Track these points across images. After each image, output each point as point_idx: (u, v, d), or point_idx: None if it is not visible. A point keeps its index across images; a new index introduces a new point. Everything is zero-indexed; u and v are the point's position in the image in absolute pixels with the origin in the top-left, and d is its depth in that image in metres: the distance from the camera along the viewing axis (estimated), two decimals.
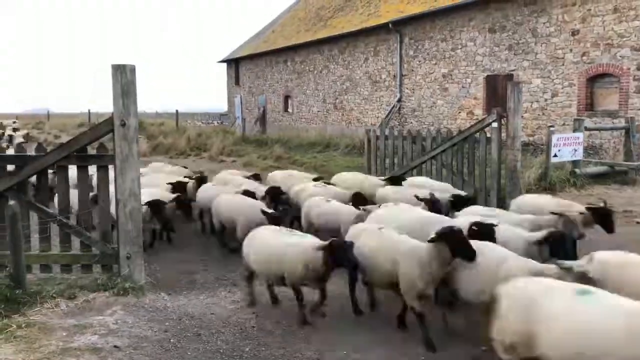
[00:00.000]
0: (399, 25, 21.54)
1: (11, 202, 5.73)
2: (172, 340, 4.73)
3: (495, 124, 9.56)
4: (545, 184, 11.46)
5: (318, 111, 27.79)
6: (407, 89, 21.77)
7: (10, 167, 6.35)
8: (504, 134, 9.66)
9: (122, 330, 4.86)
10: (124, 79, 5.83)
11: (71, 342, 4.48)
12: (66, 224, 6.14)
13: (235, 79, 36.67)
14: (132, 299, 5.58)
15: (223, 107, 41.24)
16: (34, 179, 6.44)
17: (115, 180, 5.96)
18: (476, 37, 18.52)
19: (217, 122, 39.71)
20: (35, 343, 4.42)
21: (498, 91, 17.66)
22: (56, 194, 6.48)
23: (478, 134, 10.01)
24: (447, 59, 19.80)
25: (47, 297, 5.40)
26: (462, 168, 10.40)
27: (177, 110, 35.05)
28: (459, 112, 19.43)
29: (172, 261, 7.51)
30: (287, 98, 30.78)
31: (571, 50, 15.67)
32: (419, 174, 10.63)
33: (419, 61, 21.08)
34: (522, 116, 9.89)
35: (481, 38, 18.33)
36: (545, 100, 16.51)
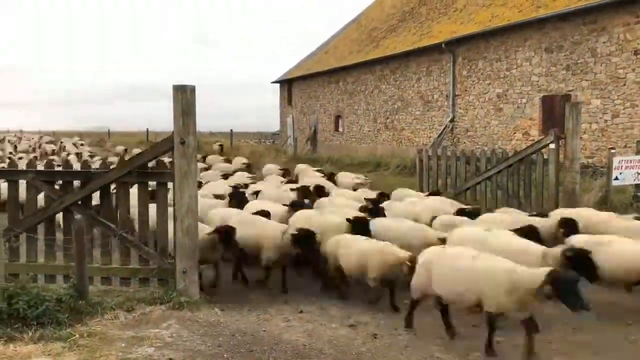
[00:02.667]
0: (452, 45, 21.41)
1: (77, 216, 6.00)
2: (225, 356, 4.79)
3: (552, 145, 9.36)
4: (607, 208, 11.04)
5: (369, 131, 27.83)
6: (460, 108, 21.54)
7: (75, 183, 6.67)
8: (561, 156, 9.42)
9: (177, 343, 4.97)
10: (184, 98, 6.04)
11: (129, 353, 4.62)
12: (126, 238, 6.35)
13: (287, 99, 37.24)
14: (187, 313, 5.71)
15: (275, 126, 41.86)
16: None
17: (173, 197, 6.15)
18: (532, 56, 18.18)
19: (269, 142, 40.28)
20: (96, 352, 4.57)
21: (555, 112, 17.22)
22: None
23: (535, 155, 9.82)
24: (501, 79, 19.50)
25: (107, 308, 5.58)
26: (517, 190, 10.18)
27: (231, 130, 35.79)
28: (514, 133, 19.04)
29: (226, 276, 7.62)
30: (338, 118, 30.99)
31: (633, 70, 15.13)
32: (472, 195, 10.47)
33: (473, 81, 20.85)
34: (580, 137, 9.62)
35: (537, 58, 17.98)
36: (605, 121, 15.97)
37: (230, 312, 6.04)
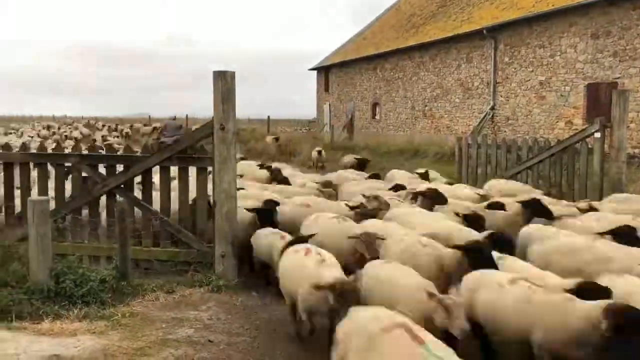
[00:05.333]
0: (494, 32, 20.92)
1: (119, 199, 6.15)
2: (263, 339, 4.86)
3: (597, 134, 9.08)
4: None
5: (406, 118, 27.55)
6: (501, 96, 21.09)
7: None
8: (606, 146, 9.13)
9: (215, 325, 5.06)
10: (224, 85, 6.09)
11: (170, 334, 4.73)
12: (167, 222, 6.48)
13: (324, 86, 37.15)
14: (225, 297, 5.80)
15: (312, 114, 41.87)
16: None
17: (213, 182, 6.23)
18: (577, 43, 17.62)
19: (305, 129, 40.34)
20: (138, 332, 4.70)
21: (600, 100, 16.67)
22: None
23: (579, 144, 9.55)
24: (544, 66, 18.98)
25: (148, 290, 5.73)
26: (560, 180, 9.93)
27: (268, 117, 36.05)
28: (557, 122, 18.55)
29: None
30: (375, 105, 30.77)
31: None
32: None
33: (515, 68, 20.36)
34: (627, 126, 9.31)
35: (582, 44, 17.41)
36: None
37: (268, 298, 6.09)
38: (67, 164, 6.88)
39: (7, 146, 7.31)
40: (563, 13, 17.84)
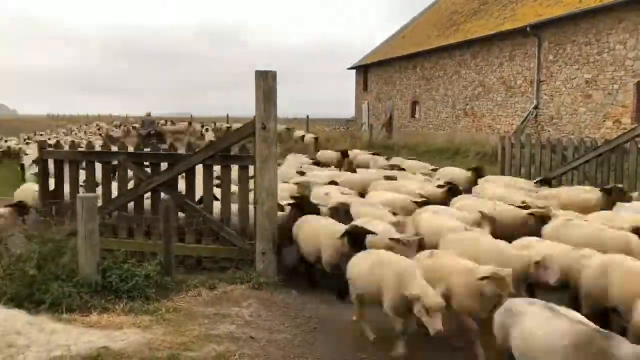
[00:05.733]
0: (538, 29, 20.43)
1: (164, 196, 6.28)
2: (303, 337, 4.89)
3: None
4: None
5: (446, 117, 27.20)
6: (545, 95, 20.59)
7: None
8: None
9: (256, 322, 5.11)
10: (266, 84, 6.15)
11: (212, 330, 4.79)
12: (209, 219, 6.58)
13: (363, 85, 37.02)
14: (265, 294, 5.86)
15: (351, 113, 41.78)
16: None
17: (254, 180, 6.30)
18: (626, 39, 17.03)
19: (344, 128, 40.28)
20: (181, 327, 4.78)
21: None
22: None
23: (627, 144, 9.23)
24: (591, 64, 18.43)
25: (191, 285, 5.83)
26: (607, 181, 9.64)
27: (307, 116, 36.13)
28: (604, 121, 17.98)
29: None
30: (414, 104, 30.48)
31: None
32: (557, 185, 10.01)
33: (559, 66, 19.84)
34: None
35: (632, 41, 16.82)
36: None
37: (307, 296, 6.12)
38: (114, 162, 7.07)
39: (57, 144, 7.55)
40: (611, 9, 17.28)
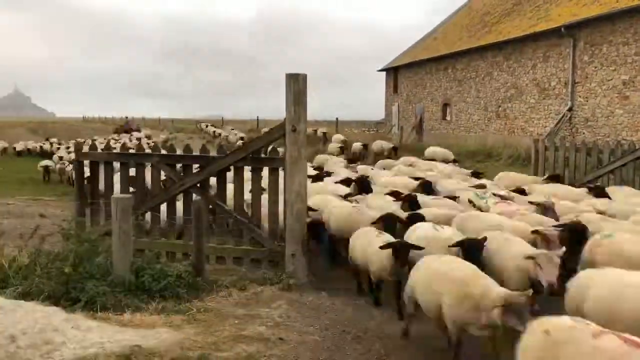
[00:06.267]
0: (573, 29, 20.02)
1: (196, 198, 6.36)
2: (332, 339, 4.88)
3: None
4: None
5: (478, 119, 26.87)
6: (580, 97, 20.16)
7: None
8: None
9: (286, 323, 5.14)
10: (296, 87, 6.18)
11: (242, 330, 4.83)
12: (240, 220, 6.64)
13: (393, 87, 36.86)
14: (295, 295, 5.88)
15: (380, 115, 41.65)
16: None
17: (284, 182, 6.33)
18: None
19: (373, 130, 40.20)
20: (212, 327, 4.84)
21: None
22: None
23: None
24: (628, 65, 17.97)
25: (221, 286, 5.89)
26: None
27: (337, 118, 36.21)
28: None
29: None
30: (445, 106, 30.20)
31: None
32: None
33: (595, 67, 19.40)
34: None
35: None
36: None
37: (336, 298, 6.11)
38: (147, 163, 7.20)
39: (93, 146, 7.73)
40: None
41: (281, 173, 6.50)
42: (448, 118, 29.93)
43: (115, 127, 42.26)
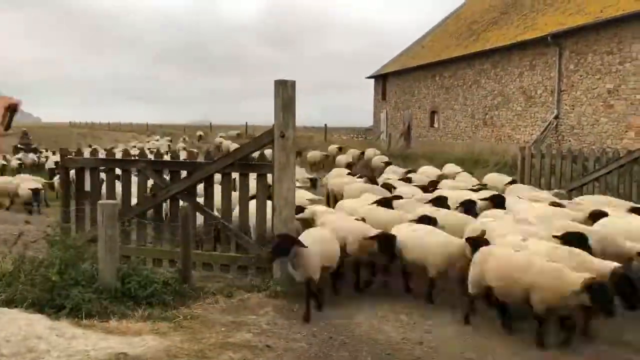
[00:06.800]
0: (559, 38, 20.26)
1: (183, 204, 6.33)
2: (319, 346, 4.87)
3: None
4: None
5: (466, 127, 27.04)
6: (565, 105, 20.37)
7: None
8: None
9: (273, 331, 5.12)
10: (285, 93, 6.19)
11: (229, 337, 4.82)
12: (227, 226, 6.62)
13: (382, 95, 37.02)
14: (282, 302, 5.87)
15: (369, 122, 41.79)
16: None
17: (272, 188, 6.33)
18: None
19: (362, 137, 40.33)
20: (198, 334, 4.82)
21: None
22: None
23: None
24: (613, 74, 18.21)
25: (208, 293, 5.88)
26: (629, 192, 9.50)
27: (325, 125, 36.29)
28: (626, 132, 17.72)
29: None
30: (433, 113, 30.38)
31: None
32: (579, 196, 9.88)
33: (580, 76, 19.63)
34: None
35: None
36: None
37: (324, 305, 6.09)
38: (134, 169, 7.15)
39: (78, 152, 7.67)
40: (634, 18, 17.08)
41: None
42: (436, 125, 30.10)
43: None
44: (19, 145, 26.23)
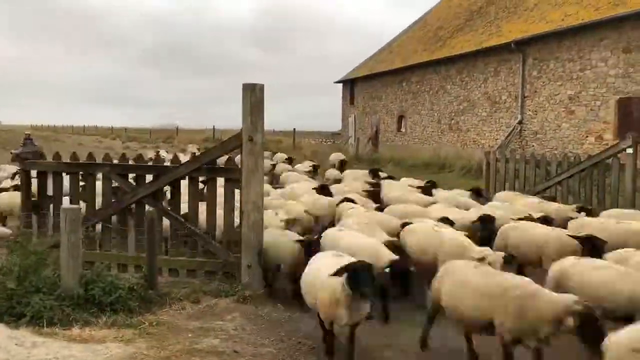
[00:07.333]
0: (523, 45, 20.73)
1: (149, 209, 6.23)
2: (288, 351, 4.86)
3: (630, 150, 8.92)
4: None
5: (432, 131, 27.40)
6: (529, 110, 20.84)
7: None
8: (638, 161, 8.95)
9: (241, 336, 5.08)
10: (253, 97, 6.16)
11: (196, 344, 4.75)
12: (194, 231, 6.54)
13: (350, 99, 37.22)
14: (250, 307, 5.82)
15: (337, 126, 41.95)
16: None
17: (240, 193, 6.28)
18: (608, 57, 17.34)
19: (330, 141, 40.43)
20: (164, 341, 4.73)
21: (632, 115, 16.35)
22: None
23: (610, 160, 9.37)
24: (574, 80, 18.72)
25: (175, 299, 5.78)
26: (590, 195, 9.76)
27: (294, 129, 36.24)
28: (586, 137, 18.24)
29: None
30: (400, 118, 30.68)
31: None
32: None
33: (543, 82, 20.12)
34: None
35: (614, 58, 17.13)
36: None
37: (292, 309, 6.08)
38: (98, 174, 7.00)
39: (41, 155, 7.48)
40: (594, 27, 17.60)
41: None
42: (403, 130, 30.41)
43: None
44: None
